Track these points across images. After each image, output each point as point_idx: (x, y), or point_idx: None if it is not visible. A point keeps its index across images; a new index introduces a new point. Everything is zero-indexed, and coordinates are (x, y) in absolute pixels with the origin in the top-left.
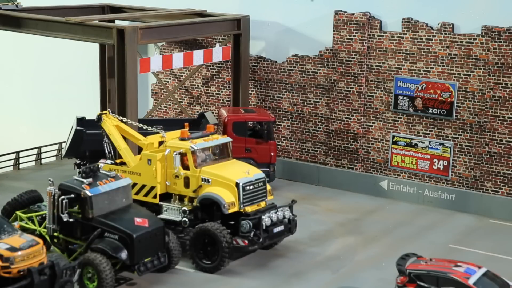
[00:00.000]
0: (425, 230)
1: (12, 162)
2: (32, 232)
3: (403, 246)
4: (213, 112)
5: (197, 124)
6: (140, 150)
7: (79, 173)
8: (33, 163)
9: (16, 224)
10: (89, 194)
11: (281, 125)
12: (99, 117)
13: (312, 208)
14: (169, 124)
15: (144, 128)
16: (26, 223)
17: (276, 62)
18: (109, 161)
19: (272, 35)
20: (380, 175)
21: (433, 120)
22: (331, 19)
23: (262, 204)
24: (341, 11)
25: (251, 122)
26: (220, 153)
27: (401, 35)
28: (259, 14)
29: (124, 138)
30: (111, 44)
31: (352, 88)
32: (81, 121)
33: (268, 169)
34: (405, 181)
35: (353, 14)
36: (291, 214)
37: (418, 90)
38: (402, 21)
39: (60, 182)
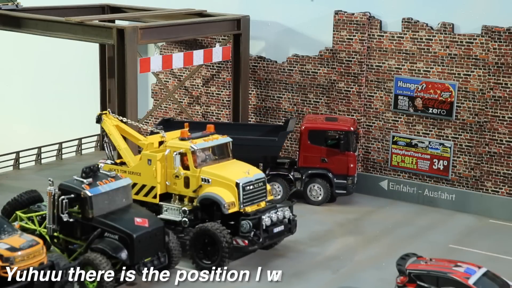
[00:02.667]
0: (425, 230)
1: (12, 162)
2: (32, 232)
3: (403, 246)
4: (295, 120)
5: (283, 130)
6: (140, 150)
7: None
8: (33, 163)
9: (16, 224)
10: (89, 194)
11: None
12: (99, 117)
13: (312, 208)
14: (249, 129)
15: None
16: (26, 223)
17: (276, 62)
18: (109, 161)
19: (272, 35)
20: (380, 175)
21: (433, 120)
22: (331, 19)
23: (262, 204)
24: (341, 11)
25: (330, 131)
26: (220, 153)
27: (401, 35)
28: (259, 14)
29: (124, 138)
30: (111, 44)
31: (352, 88)
32: (167, 121)
33: (344, 181)
34: (405, 181)
35: (353, 14)
36: (291, 214)
37: (418, 90)
38: (402, 21)
39: (60, 182)
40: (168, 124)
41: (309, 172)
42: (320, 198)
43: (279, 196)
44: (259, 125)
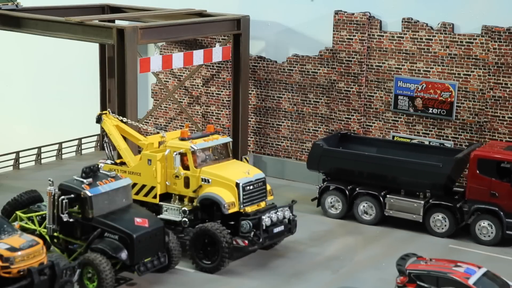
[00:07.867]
0: (425, 230)
1: (12, 162)
2: (32, 232)
3: (403, 246)
4: (477, 145)
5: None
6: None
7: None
8: (33, 163)
9: (16, 224)
10: (89, 194)
11: (281, 125)
12: (99, 117)
13: (312, 208)
14: (433, 152)
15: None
16: (26, 223)
17: (276, 62)
18: (109, 161)
19: (272, 35)
20: None
21: (433, 120)
22: (331, 19)
23: (262, 204)
24: (341, 11)
25: (504, 162)
26: (221, 153)
27: (401, 35)
28: (259, 14)
29: (124, 138)
30: (111, 44)
31: (352, 88)
32: (344, 136)
33: None
34: None
35: (353, 14)
36: (291, 214)
37: (418, 90)
38: (402, 21)
39: (60, 182)
40: (345, 138)
41: (475, 206)
42: (489, 238)
43: (444, 230)
44: (445, 148)
